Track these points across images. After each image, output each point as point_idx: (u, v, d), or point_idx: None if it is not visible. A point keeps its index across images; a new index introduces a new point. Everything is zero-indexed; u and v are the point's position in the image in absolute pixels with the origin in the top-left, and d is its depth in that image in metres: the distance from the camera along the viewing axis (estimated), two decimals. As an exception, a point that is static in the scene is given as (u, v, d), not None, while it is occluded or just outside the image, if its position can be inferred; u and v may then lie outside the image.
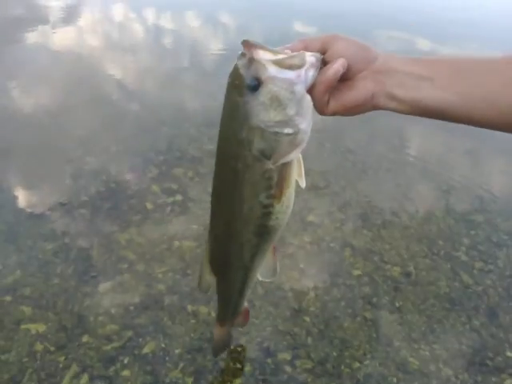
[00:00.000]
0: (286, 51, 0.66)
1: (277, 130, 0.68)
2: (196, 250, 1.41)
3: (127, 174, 1.76)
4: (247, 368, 1.09)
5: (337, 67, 0.63)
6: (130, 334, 1.14)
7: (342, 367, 1.13)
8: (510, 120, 0.62)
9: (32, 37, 3.43)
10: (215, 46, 3.58)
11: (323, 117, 0.67)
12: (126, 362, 1.07)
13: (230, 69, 0.62)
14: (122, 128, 2.14)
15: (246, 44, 0.65)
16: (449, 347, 1.22)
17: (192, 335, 1.15)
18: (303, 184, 0.70)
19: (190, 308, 1.22)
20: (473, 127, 0.64)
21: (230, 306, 0.95)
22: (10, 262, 1.32)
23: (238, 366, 1.09)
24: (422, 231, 1.65)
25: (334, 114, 0.68)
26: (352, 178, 1.95)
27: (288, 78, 0.65)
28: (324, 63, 0.65)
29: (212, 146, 1.99)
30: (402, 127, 2.45)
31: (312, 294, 1.33)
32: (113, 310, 1.20)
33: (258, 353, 1.13)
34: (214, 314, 1.21)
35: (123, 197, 1.62)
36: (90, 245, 1.40)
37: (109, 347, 1.10)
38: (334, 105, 0.67)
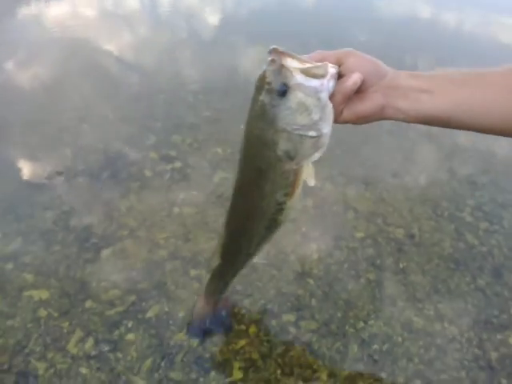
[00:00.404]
0: (310, 60, 0.72)
1: (302, 133, 0.74)
2: (196, 216, 1.40)
3: (125, 141, 1.73)
4: (251, 329, 1.09)
5: (355, 80, 0.71)
6: (133, 298, 1.13)
7: (347, 327, 1.12)
8: (507, 127, 0.69)
9: (25, 10, 3.34)
10: (213, 16, 3.50)
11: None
12: (130, 325, 1.07)
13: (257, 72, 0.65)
14: (118, 97, 2.09)
15: (276, 51, 0.71)
16: (453, 306, 1.22)
17: (195, 298, 1.14)
18: (311, 183, 0.77)
19: (192, 273, 1.21)
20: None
21: (221, 284, 0.99)
22: (9, 230, 1.31)
23: (243, 327, 1.09)
24: (425, 193, 1.63)
25: (346, 122, 0.76)
26: (353, 141, 1.91)
27: (313, 85, 0.71)
28: (339, 76, 0.71)
29: (209, 113, 1.96)
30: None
31: (315, 256, 1.32)
32: (115, 276, 1.19)
33: (263, 314, 1.12)
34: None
35: (122, 164, 1.60)
36: (90, 212, 1.38)
37: (112, 312, 1.09)
38: (347, 114, 0.75)
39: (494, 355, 1.11)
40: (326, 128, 0.75)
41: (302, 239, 1.37)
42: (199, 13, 3.63)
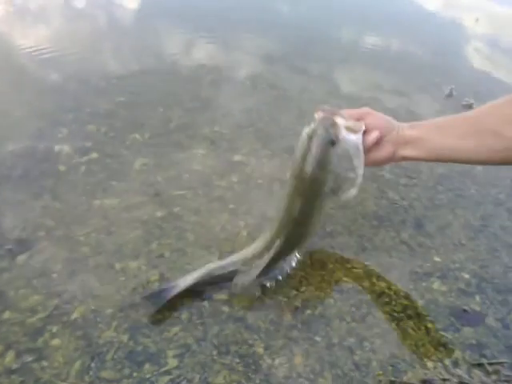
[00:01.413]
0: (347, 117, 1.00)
1: (347, 175, 1.01)
2: (118, 207, 1.34)
3: (34, 137, 1.62)
4: (184, 315, 1.06)
5: (375, 136, 0.99)
6: (55, 301, 1.07)
7: (280, 297, 1.13)
8: (483, 158, 0.94)
9: None
10: (129, 1, 3.35)
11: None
12: (54, 330, 1.01)
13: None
14: (23, 91, 1.96)
15: (328, 111, 0.98)
16: (380, 262, 1.26)
17: (123, 292, 1.10)
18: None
19: (117, 266, 1.17)
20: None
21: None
22: None
23: (175, 314, 1.06)
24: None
25: (364, 166, 1.02)
26: (275, 112, 1.91)
27: (354, 139, 0.98)
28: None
29: (124, 98, 1.88)
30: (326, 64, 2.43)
31: (244, 232, 1.31)
32: (34, 281, 1.12)
33: (194, 298, 1.10)
34: (144, 268, 1.17)
35: (33, 162, 1.50)
36: (1, 217, 1.29)
37: (34, 319, 1.03)
38: (366, 160, 1.01)
39: (420, 303, 1.16)
40: (361, 171, 1.01)
41: (229, 216, 1.36)
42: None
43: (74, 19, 2.97)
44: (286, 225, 1.08)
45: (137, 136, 1.65)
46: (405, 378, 0.99)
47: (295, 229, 1.08)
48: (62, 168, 1.48)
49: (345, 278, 1.20)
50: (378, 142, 1.01)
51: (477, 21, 4.13)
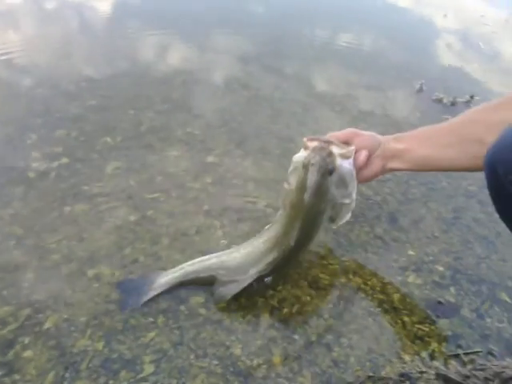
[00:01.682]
0: (338, 143, 1.04)
1: (343, 201, 1.07)
2: (90, 213, 1.32)
3: (2, 144, 1.58)
4: (160, 319, 1.05)
5: (365, 155, 1.04)
6: (27, 312, 1.04)
7: (257, 297, 1.12)
8: (466, 165, 0.97)
9: None
10: (100, 4, 3.29)
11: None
12: (26, 342, 0.98)
13: None
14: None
15: (320, 140, 1.02)
16: (356, 258, 1.26)
17: (96, 299, 1.08)
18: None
19: (90, 273, 1.15)
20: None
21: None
22: None
23: (151, 319, 1.05)
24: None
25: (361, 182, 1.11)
26: (248, 112, 1.90)
27: (349, 166, 1.02)
28: None
29: (94, 102, 1.85)
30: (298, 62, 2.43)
31: (219, 232, 1.30)
32: (4, 292, 1.09)
33: (170, 302, 1.09)
34: (117, 274, 1.15)
35: (1, 169, 1.46)
36: (-32, 228, 1.26)
37: (5, 331, 1.00)
38: (361, 179, 1.08)
39: (396, 297, 1.17)
40: (355, 194, 1.07)
41: (204, 218, 1.35)
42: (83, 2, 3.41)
43: (43, 22, 2.91)
44: (278, 254, 1.09)
45: (108, 140, 1.62)
46: (383, 373, 1.00)
47: (288, 255, 1.09)
48: (31, 175, 1.44)
49: (321, 275, 1.20)
50: (367, 161, 1.05)
51: (445, 16, 4.20)
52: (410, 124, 1.99)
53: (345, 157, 1.02)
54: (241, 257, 1.13)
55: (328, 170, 1.00)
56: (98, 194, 1.39)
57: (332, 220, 1.11)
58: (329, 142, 1.01)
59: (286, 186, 1.09)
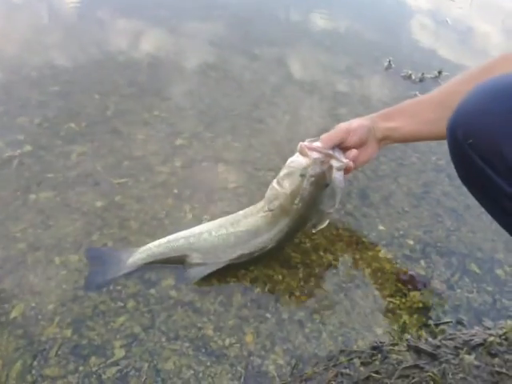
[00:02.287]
0: (338, 153, 1.09)
1: (328, 210, 1.12)
2: (55, 200, 1.28)
3: (-39, 134, 1.52)
4: (130, 304, 1.03)
5: (354, 154, 1.10)
6: (-8, 302, 1.02)
7: (228, 277, 1.12)
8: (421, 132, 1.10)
9: None
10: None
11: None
12: (-8, 332, 0.96)
13: None
14: None
15: (327, 154, 1.05)
16: (327, 235, 1.27)
17: (64, 286, 1.06)
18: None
19: (57, 260, 1.12)
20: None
21: None
22: None
23: (120, 304, 1.03)
24: (290, 133, 1.66)
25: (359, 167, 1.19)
26: (214, 94, 1.88)
27: (341, 179, 1.08)
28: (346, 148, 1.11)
29: (57, 87, 1.79)
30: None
31: (189, 215, 1.29)
32: (-33, 285, 1.06)
33: (140, 286, 1.08)
34: (85, 260, 1.12)
35: (-40, 160, 1.41)
36: None
37: (-31, 322, 0.98)
38: (359, 164, 1.14)
39: (367, 271, 1.18)
40: (338, 204, 1.13)
41: (174, 201, 1.33)
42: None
43: (4, 7, 2.80)
44: (255, 249, 1.10)
45: (72, 125, 1.58)
46: (355, 347, 1.01)
47: (265, 252, 1.11)
48: (-7, 163, 1.40)
49: (293, 254, 1.20)
50: (362, 144, 1.12)
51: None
52: (379, 101, 1.99)
53: (339, 169, 1.06)
54: (212, 240, 1.12)
55: (326, 184, 1.04)
56: (63, 181, 1.35)
57: (313, 226, 1.15)
58: (330, 156, 1.05)
59: (276, 185, 1.09)
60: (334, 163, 1.05)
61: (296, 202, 1.05)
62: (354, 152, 1.09)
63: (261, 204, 1.12)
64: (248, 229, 1.10)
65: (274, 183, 1.10)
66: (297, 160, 1.06)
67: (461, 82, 1.00)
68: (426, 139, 1.16)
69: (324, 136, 1.08)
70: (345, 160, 1.07)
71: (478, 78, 0.89)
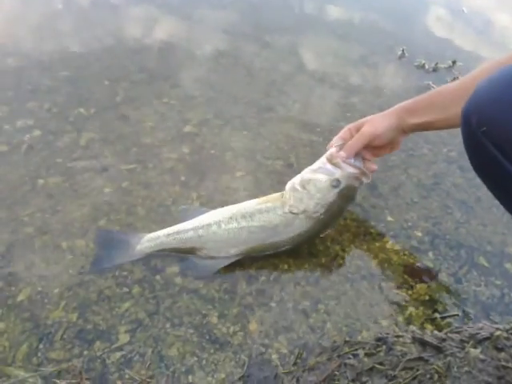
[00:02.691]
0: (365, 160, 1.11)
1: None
2: (64, 185, 1.29)
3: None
4: (135, 290, 1.04)
5: (374, 169, 1.14)
6: (-1, 285, 1.03)
7: (234, 266, 1.11)
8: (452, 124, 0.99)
9: None
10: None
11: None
12: (-2, 315, 0.97)
13: None
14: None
15: (359, 169, 1.06)
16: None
17: (71, 271, 1.06)
18: None
19: (64, 245, 1.13)
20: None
21: None
22: None
23: (126, 289, 1.04)
24: (299, 122, 1.64)
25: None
26: (224, 81, 1.86)
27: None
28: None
29: (67, 72, 1.79)
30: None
31: (196, 203, 1.28)
32: (-24, 266, 1.07)
33: (145, 272, 1.08)
34: (92, 245, 1.13)
35: (-30, 144, 1.42)
36: None
37: (-23, 305, 0.99)
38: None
39: (374, 263, 1.17)
40: None
41: (181, 189, 1.32)
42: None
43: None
44: (269, 247, 1.11)
45: (81, 111, 1.58)
46: (359, 338, 1.00)
47: (278, 250, 1.12)
48: (3, 148, 1.40)
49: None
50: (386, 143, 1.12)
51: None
52: (391, 90, 1.97)
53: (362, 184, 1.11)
54: (221, 234, 1.10)
55: (353, 199, 1.10)
56: (71, 166, 1.35)
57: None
58: (363, 173, 1.07)
59: (299, 188, 1.08)
60: (364, 180, 1.09)
61: (323, 211, 1.06)
62: (373, 168, 1.12)
63: (277, 200, 1.10)
64: (263, 225, 1.08)
65: (297, 185, 1.08)
66: (327, 168, 1.06)
67: (490, 69, 0.95)
68: (453, 127, 1.07)
69: (351, 144, 1.07)
70: (369, 175, 1.10)
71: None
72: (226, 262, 1.08)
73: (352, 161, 1.05)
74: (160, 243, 1.11)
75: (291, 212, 1.07)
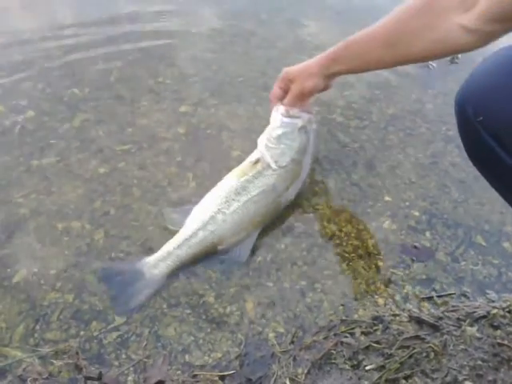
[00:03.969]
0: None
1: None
2: (58, 166, 1.27)
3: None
4: (131, 271, 1.03)
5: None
6: (-6, 265, 1.02)
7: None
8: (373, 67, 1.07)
9: None
10: None
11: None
12: (-6, 296, 0.97)
13: None
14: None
15: (308, 111, 1.20)
16: (331, 205, 1.25)
17: (66, 252, 1.06)
18: None
19: (60, 226, 1.12)
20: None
21: None
22: None
23: (121, 271, 1.03)
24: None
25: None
26: (222, 60, 1.83)
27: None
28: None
29: (61, 52, 1.76)
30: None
31: (193, 184, 1.27)
32: (-29, 248, 1.06)
33: (143, 254, 1.07)
34: (88, 226, 1.12)
35: (-37, 125, 1.40)
36: None
37: (-28, 286, 0.98)
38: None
39: (371, 242, 1.17)
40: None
41: (177, 169, 1.31)
42: None
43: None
44: (283, 205, 1.18)
45: (75, 91, 1.56)
46: (356, 316, 1.00)
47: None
48: (-5, 129, 1.39)
49: (296, 224, 1.19)
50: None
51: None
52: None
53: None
54: (232, 219, 1.08)
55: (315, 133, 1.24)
56: (66, 147, 1.34)
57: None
58: (311, 114, 1.21)
59: (272, 145, 1.16)
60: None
61: (305, 153, 1.18)
62: (312, 110, 1.24)
63: (254, 167, 1.14)
64: (263, 190, 1.11)
65: (271, 143, 1.16)
66: (288, 121, 1.17)
67: (406, 19, 0.94)
68: (372, 70, 1.17)
69: (289, 102, 1.16)
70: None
71: (423, 11, 0.85)
72: (252, 241, 1.09)
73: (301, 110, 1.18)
74: (176, 257, 1.03)
75: (280, 166, 1.13)
